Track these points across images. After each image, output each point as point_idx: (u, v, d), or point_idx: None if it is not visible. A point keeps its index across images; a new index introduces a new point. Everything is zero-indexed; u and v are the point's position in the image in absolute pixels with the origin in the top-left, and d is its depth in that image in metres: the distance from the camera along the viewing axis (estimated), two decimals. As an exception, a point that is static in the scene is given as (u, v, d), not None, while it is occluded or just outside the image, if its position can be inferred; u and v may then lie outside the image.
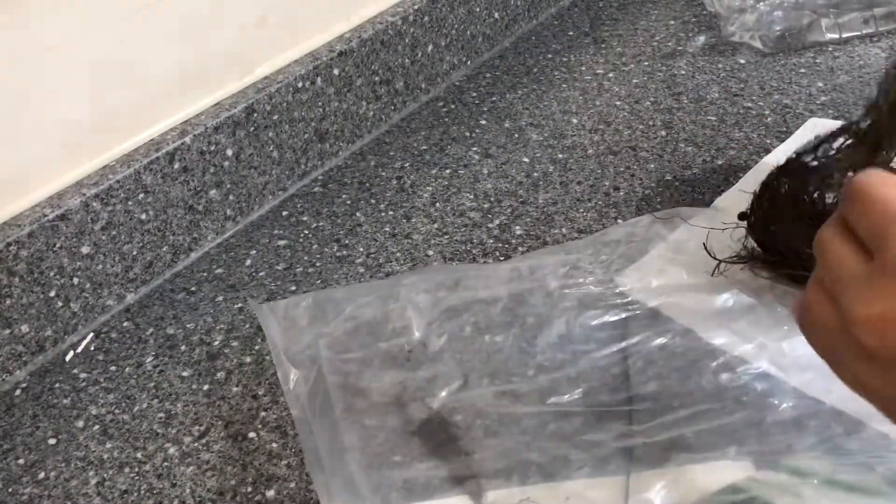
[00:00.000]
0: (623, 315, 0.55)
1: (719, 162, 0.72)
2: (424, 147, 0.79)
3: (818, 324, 0.37)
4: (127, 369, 0.59)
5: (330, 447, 0.49)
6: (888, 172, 0.35)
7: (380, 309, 0.58)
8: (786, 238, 0.55)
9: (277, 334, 0.56)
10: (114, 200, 0.61)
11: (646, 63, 0.88)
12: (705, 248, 0.58)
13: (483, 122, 0.82)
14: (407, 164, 0.77)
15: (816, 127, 0.72)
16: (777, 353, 0.51)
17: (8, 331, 0.58)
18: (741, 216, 0.58)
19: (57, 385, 0.59)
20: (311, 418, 0.50)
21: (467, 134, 0.80)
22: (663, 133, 0.77)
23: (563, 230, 0.66)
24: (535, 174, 0.73)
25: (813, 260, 0.54)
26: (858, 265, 0.35)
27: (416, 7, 0.81)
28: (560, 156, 0.75)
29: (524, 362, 0.54)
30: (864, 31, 0.87)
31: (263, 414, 0.55)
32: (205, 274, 0.67)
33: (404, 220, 0.70)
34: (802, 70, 0.83)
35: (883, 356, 0.34)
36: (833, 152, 0.53)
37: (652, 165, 0.72)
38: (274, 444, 0.52)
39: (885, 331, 0.33)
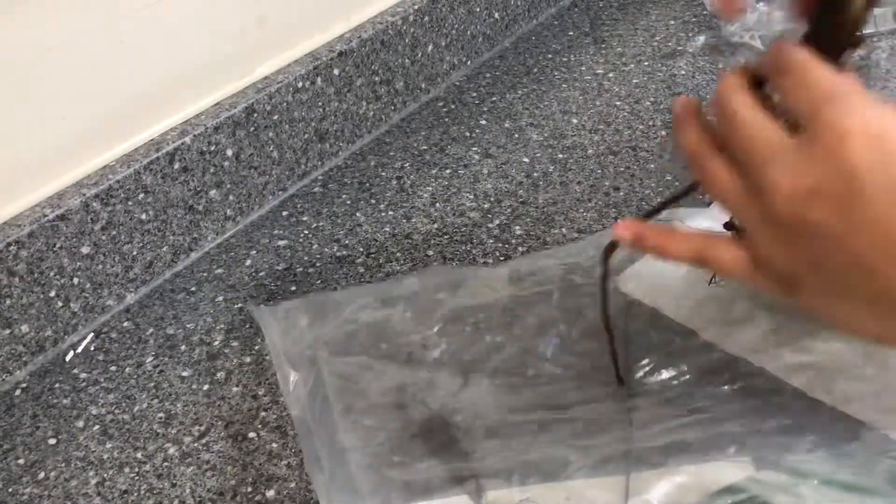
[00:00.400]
0: (623, 316, 0.55)
1: (719, 162, 0.72)
2: (424, 147, 0.79)
3: (721, 188, 0.37)
4: (127, 369, 0.59)
5: (330, 447, 0.49)
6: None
7: (380, 310, 0.58)
8: None
9: (277, 336, 0.56)
10: (114, 200, 0.61)
11: (646, 63, 0.88)
12: None
13: (483, 122, 0.82)
14: (407, 164, 0.77)
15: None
16: (777, 354, 0.51)
17: (8, 331, 0.58)
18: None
19: (57, 385, 0.59)
20: (311, 419, 0.50)
21: (467, 134, 0.80)
22: (663, 133, 0.77)
23: (563, 230, 0.66)
24: (535, 174, 0.73)
25: None
26: (783, 138, 0.34)
27: (416, 7, 0.81)
28: (560, 156, 0.75)
29: (524, 363, 0.54)
30: (864, 31, 0.87)
31: (263, 414, 0.55)
32: (205, 274, 0.67)
33: (404, 220, 0.70)
34: (802, 70, 0.83)
35: (795, 226, 0.34)
36: None
37: (652, 165, 0.72)
38: (274, 444, 0.52)
39: (810, 204, 0.33)
